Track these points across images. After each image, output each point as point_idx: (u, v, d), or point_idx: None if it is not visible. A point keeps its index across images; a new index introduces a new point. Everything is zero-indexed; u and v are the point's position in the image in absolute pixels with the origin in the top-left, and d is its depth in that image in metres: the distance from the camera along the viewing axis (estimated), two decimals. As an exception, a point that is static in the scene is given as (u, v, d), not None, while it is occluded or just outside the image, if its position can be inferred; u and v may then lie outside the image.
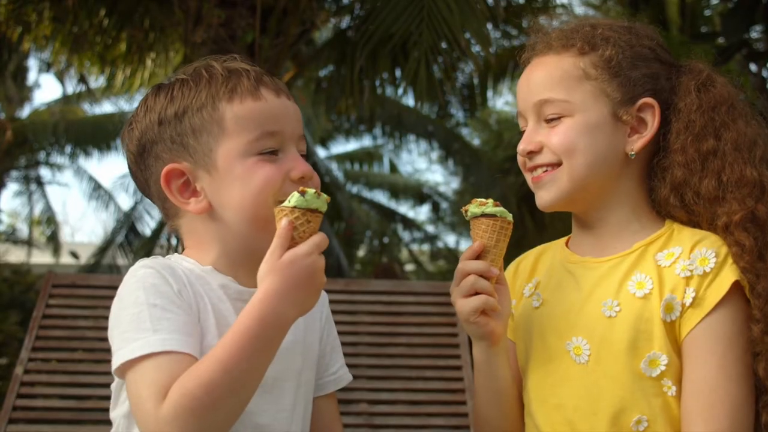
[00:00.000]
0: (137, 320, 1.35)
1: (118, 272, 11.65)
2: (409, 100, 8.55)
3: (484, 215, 1.57)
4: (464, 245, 18.32)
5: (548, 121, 1.60)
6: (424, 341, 4.05)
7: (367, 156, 16.61)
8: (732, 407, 1.44)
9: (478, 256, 1.57)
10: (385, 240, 15.79)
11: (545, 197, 1.62)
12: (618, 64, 1.59)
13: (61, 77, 11.54)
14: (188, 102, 1.50)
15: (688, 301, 1.48)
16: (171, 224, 1.58)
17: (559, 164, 1.59)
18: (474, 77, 8.77)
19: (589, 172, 1.57)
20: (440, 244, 16.91)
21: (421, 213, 18.80)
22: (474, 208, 1.58)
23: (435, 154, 16.29)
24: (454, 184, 17.68)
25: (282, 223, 1.37)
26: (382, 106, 9.72)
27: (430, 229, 17.73)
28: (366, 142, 16.09)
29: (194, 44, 5.51)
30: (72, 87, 12.55)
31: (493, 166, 12.70)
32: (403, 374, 3.96)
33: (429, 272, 16.54)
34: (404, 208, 17.47)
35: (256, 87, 1.50)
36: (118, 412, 1.47)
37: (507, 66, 9.46)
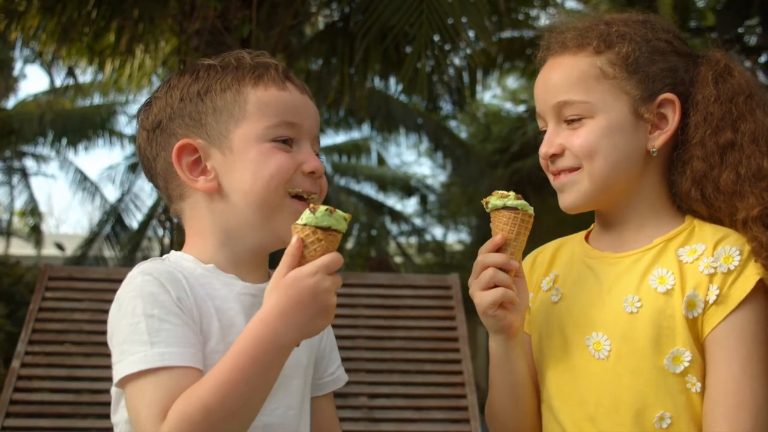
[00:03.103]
0: (134, 332, 1.32)
1: (105, 264, 11.59)
2: (399, 92, 8.51)
3: (505, 207, 1.54)
4: (452, 238, 18.34)
5: (568, 122, 1.58)
6: (423, 335, 4.06)
7: (355, 148, 16.59)
8: (755, 408, 1.43)
9: (498, 249, 1.54)
10: (373, 233, 15.77)
11: (567, 200, 1.61)
12: (635, 61, 1.56)
13: (48, 68, 11.43)
14: (213, 82, 1.50)
15: (711, 298, 1.47)
16: (174, 207, 1.56)
17: (580, 167, 1.57)
18: (463, 70, 8.76)
19: (610, 174, 1.55)
20: (428, 237, 16.92)
21: (409, 206, 18.81)
22: (495, 200, 1.55)
23: (424, 147, 16.29)
24: (442, 176, 17.70)
25: (291, 241, 1.33)
26: (372, 99, 9.69)
27: (418, 221, 17.74)
28: (355, 134, 16.06)
29: (188, 35, 5.47)
30: (59, 78, 12.45)
31: (481, 159, 12.71)
32: (402, 368, 3.96)
33: (417, 265, 16.53)
34: (392, 201, 17.50)
35: (282, 79, 1.51)
36: (119, 417, 1.44)
37: (496, 59, 9.46)
